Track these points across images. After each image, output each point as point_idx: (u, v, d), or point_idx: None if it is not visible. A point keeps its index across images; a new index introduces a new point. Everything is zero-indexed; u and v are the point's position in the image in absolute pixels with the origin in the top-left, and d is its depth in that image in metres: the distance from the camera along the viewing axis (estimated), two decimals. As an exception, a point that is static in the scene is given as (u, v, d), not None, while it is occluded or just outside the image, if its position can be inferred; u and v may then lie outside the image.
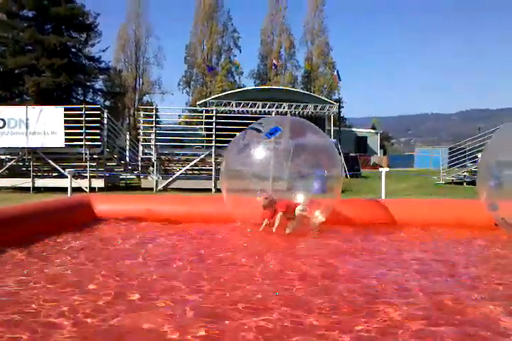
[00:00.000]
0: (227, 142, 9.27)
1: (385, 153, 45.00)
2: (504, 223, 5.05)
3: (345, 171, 23.58)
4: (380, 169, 10.48)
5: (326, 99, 36.79)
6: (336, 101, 38.40)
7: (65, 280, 3.37)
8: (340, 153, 24.61)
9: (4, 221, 5.00)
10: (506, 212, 4.93)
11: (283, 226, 5.19)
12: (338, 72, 35.73)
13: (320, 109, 31.87)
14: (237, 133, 6.24)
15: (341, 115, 43.67)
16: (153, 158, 15.05)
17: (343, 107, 49.29)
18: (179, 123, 30.10)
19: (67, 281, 3.35)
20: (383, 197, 9.57)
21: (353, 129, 43.89)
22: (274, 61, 47.51)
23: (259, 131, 5.09)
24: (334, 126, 33.22)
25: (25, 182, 14.56)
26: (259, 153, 5.28)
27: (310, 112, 31.73)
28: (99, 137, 14.92)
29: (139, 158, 16.22)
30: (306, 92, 40.14)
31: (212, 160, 14.69)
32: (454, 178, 18.70)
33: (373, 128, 43.23)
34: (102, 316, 2.60)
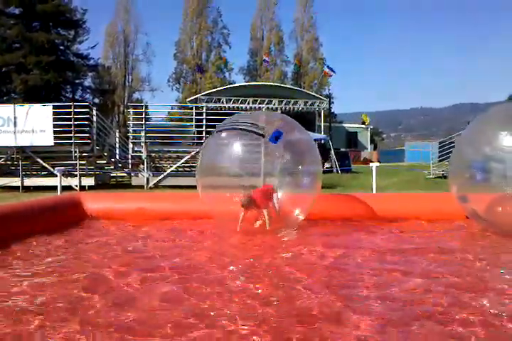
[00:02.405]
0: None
1: (375, 148, 45.15)
2: (475, 215, 5.10)
3: (336, 167, 23.66)
4: (371, 164, 10.50)
5: (316, 94, 36.89)
6: (326, 96, 38.48)
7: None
8: (330, 149, 24.81)
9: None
10: (478, 204, 5.03)
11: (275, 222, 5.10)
12: (328, 66, 35.74)
13: (310, 105, 31.95)
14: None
15: (332, 111, 43.78)
16: (144, 155, 14.97)
17: (333, 103, 49.51)
18: (169, 120, 29.97)
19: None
20: (374, 191, 9.60)
21: (344, 125, 44.02)
22: (265, 57, 47.45)
23: (260, 134, 4.95)
24: (325, 121, 33.30)
25: (14, 182, 14.43)
26: (239, 148, 5.13)
27: (300, 108, 31.80)
28: (88, 135, 14.79)
29: (129, 156, 16.13)
30: (296, 88, 40.20)
31: (203, 156, 14.60)
32: (444, 172, 18.80)
33: (363, 123, 43.30)
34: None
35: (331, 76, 36.05)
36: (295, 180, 5.37)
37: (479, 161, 5.05)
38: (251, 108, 27.42)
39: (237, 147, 5.09)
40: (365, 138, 41.68)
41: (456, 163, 5.57)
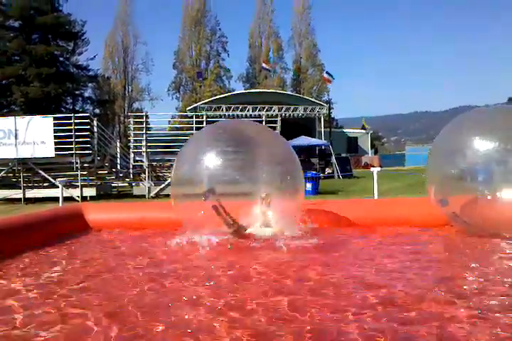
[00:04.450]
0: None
1: (376, 153, 45.15)
2: (456, 218, 5.11)
3: (337, 172, 23.65)
4: (372, 169, 10.49)
5: (315, 100, 36.99)
6: (325, 102, 38.55)
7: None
8: (331, 154, 24.83)
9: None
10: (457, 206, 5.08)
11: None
12: (327, 72, 35.83)
13: (310, 111, 31.99)
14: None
15: (332, 116, 43.81)
16: (145, 164, 14.99)
17: (333, 108, 49.57)
18: (170, 129, 30.02)
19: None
20: (376, 196, 9.58)
21: (344, 130, 44.03)
22: (264, 64, 47.60)
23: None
24: (325, 127, 33.34)
25: (16, 194, 14.44)
26: (213, 157, 5.06)
27: (300, 114, 31.85)
28: (89, 146, 14.83)
29: (131, 166, 16.15)
30: (295, 95, 40.36)
31: (204, 165, 14.62)
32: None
33: (363, 128, 43.31)
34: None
35: (330, 82, 36.12)
36: (277, 189, 5.22)
37: (444, 199, 5.16)
38: (251, 115, 27.42)
39: (211, 156, 5.03)
40: (365, 143, 41.67)
41: (432, 168, 5.63)
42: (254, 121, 9.88)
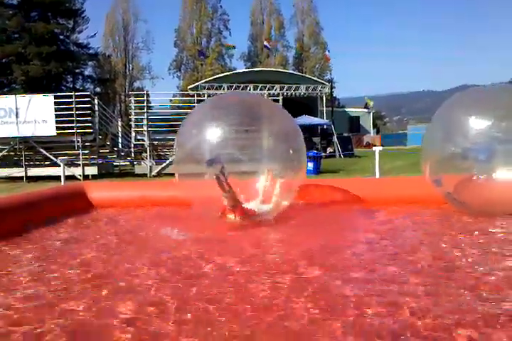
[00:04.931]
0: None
1: (378, 132, 45.02)
2: (451, 198, 5.14)
3: (338, 151, 23.66)
4: (374, 148, 10.50)
5: (317, 79, 36.72)
6: (327, 81, 38.26)
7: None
8: (333, 134, 24.79)
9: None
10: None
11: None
12: (329, 51, 35.53)
13: (312, 90, 31.78)
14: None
15: (333, 95, 43.56)
16: (146, 143, 15.01)
17: (335, 87, 49.23)
18: (171, 108, 29.91)
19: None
20: (377, 176, 9.62)
21: (346, 109, 43.82)
22: (265, 42, 47.09)
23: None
24: (327, 106, 33.18)
25: (18, 172, 14.52)
26: (217, 133, 4.97)
27: (302, 93, 31.66)
28: (90, 124, 14.85)
29: (132, 145, 16.17)
30: (297, 73, 40.03)
31: (206, 144, 14.63)
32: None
33: (366, 107, 43.06)
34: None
35: (329, 60, 35.78)
36: (280, 166, 5.12)
37: (438, 179, 5.13)
38: (252, 94, 27.28)
39: (214, 131, 4.94)
40: (367, 122, 41.53)
41: (428, 146, 5.63)
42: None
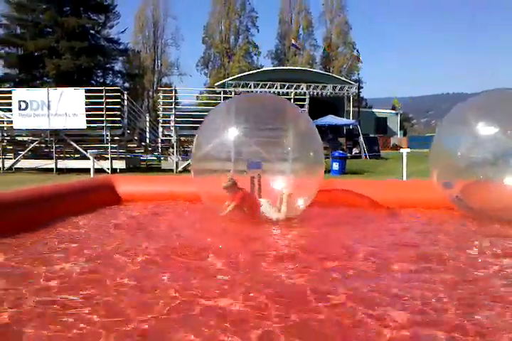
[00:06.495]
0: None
1: (405, 134, 44.45)
2: (458, 201, 5.08)
3: (364, 152, 23.47)
4: (401, 150, 10.41)
5: (345, 79, 36.40)
6: (355, 81, 37.94)
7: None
8: (359, 134, 24.59)
9: (25, 203, 5.03)
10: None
11: (236, 215, 5.01)
12: (358, 51, 35.20)
13: (339, 90, 31.55)
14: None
15: (360, 95, 43.17)
16: (173, 139, 15.14)
17: (362, 87, 48.70)
18: (198, 105, 30.09)
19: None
20: (404, 178, 9.53)
21: (373, 110, 43.36)
22: (293, 41, 46.90)
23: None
24: (353, 106, 32.89)
25: (48, 164, 14.84)
26: (237, 133, 4.99)
27: (329, 93, 31.45)
28: (119, 119, 15.06)
29: (159, 140, 16.34)
30: (324, 73, 39.73)
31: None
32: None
33: (393, 108, 42.51)
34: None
35: (360, 60, 35.45)
36: (298, 166, 5.23)
37: (449, 182, 5.15)
38: (279, 92, 27.22)
39: (227, 132, 5.00)
40: (394, 123, 41.03)
41: (437, 151, 5.58)
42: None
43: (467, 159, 4.96)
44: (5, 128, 15.17)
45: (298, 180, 5.20)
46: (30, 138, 15.86)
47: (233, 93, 15.86)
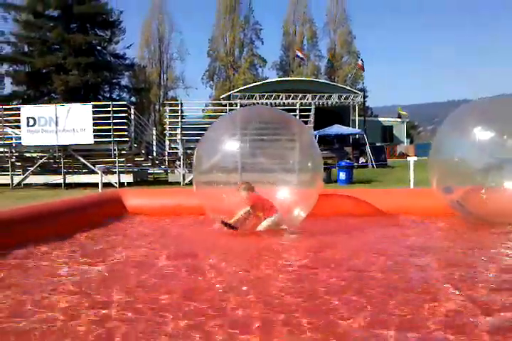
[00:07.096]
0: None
1: (411, 142, 44.31)
2: (459, 206, 5.05)
3: (371, 161, 23.43)
4: (408, 158, 10.40)
5: (350, 88, 36.51)
6: (360, 90, 38.03)
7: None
8: (366, 143, 24.57)
9: (33, 218, 5.06)
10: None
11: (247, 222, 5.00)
12: (362, 60, 35.33)
13: (344, 99, 31.64)
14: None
15: (366, 104, 43.22)
16: (180, 152, 15.23)
17: (367, 96, 48.90)
18: (204, 117, 30.30)
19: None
20: (412, 186, 9.51)
21: (379, 118, 43.33)
22: (298, 52, 47.14)
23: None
24: (359, 115, 32.93)
25: (56, 179, 14.96)
26: (237, 145, 5.04)
27: (334, 102, 31.55)
28: (126, 133, 15.18)
29: (166, 153, 16.45)
30: (329, 82, 39.86)
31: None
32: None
33: (399, 116, 42.44)
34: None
35: (363, 69, 35.55)
36: (298, 176, 5.22)
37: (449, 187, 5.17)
38: (284, 103, 27.35)
39: (233, 143, 5.06)
40: (401, 131, 40.93)
41: (436, 156, 5.57)
42: (287, 109, 9.90)
43: (467, 164, 4.96)
44: (14, 145, 15.36)
45: (301, 190, 5.21)
46: (39, 154, 16.04)
47: (238, 105, 15.96)
